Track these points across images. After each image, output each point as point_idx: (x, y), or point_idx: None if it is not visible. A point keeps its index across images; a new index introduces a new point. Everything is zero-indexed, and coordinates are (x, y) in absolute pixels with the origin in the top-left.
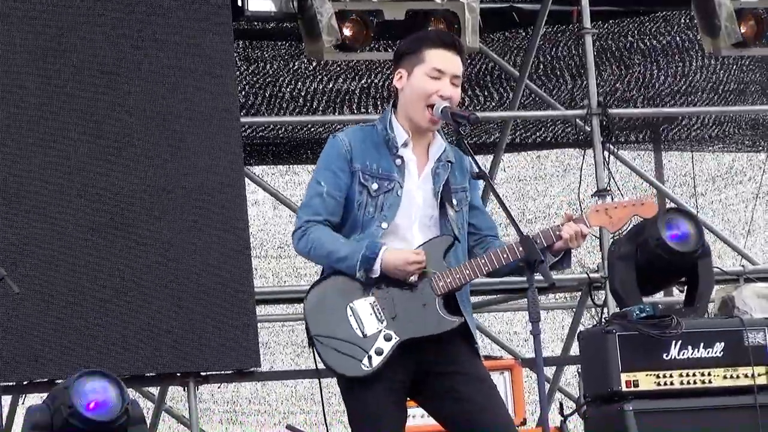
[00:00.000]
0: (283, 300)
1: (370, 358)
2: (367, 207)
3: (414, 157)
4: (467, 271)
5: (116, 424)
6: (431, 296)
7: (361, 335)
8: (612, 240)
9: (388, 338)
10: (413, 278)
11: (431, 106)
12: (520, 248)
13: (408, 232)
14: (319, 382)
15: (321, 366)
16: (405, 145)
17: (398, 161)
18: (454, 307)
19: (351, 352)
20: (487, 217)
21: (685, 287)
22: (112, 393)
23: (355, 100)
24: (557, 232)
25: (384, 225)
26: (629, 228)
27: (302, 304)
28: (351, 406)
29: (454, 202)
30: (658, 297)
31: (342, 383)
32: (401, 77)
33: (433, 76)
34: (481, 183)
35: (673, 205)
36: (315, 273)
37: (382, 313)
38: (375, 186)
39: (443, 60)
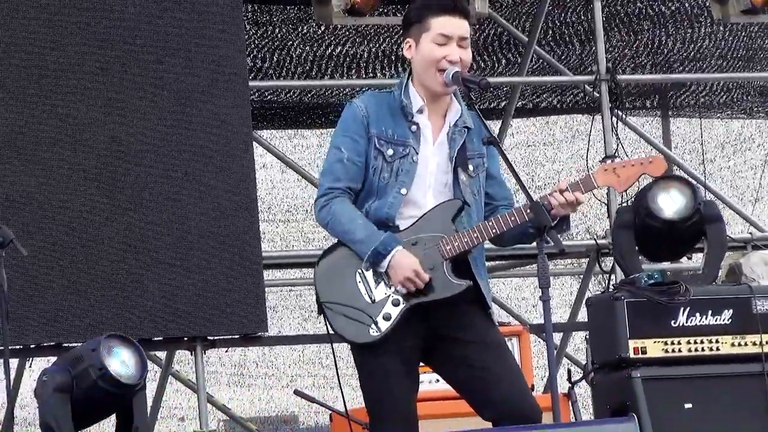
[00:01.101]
0: (290, 264)
1: (377, 323)
2: (383, 172)
3: (429, 123)
4: (475, 234)
5: (137, 388)
6: (439, 260)
7: (369, 301)
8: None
9: (395, 303)
10: (401, 289)
11: (442, 71)
12: (528, 211)
13: (421, 197)
14: (332, 348)
15: (331, 332)
16: (420, 111)
17: (413, 127)
18: (465, 271)
19: (359, 318)
20: (503, 187)
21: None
22: (137, 357)
23: (364, 65)
24: (545, 202)
25: (403, 191)
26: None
27: (310, 269)
28: (361, 372)
29: (470, 167)
30: (666, 264)
31: (353, 349)
32: (410, 46)
33: (440, 42)
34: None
35: (681, 172)
36: (323, 238)
37: (388, 278)
38: (390, 152)
39: (448, 25)
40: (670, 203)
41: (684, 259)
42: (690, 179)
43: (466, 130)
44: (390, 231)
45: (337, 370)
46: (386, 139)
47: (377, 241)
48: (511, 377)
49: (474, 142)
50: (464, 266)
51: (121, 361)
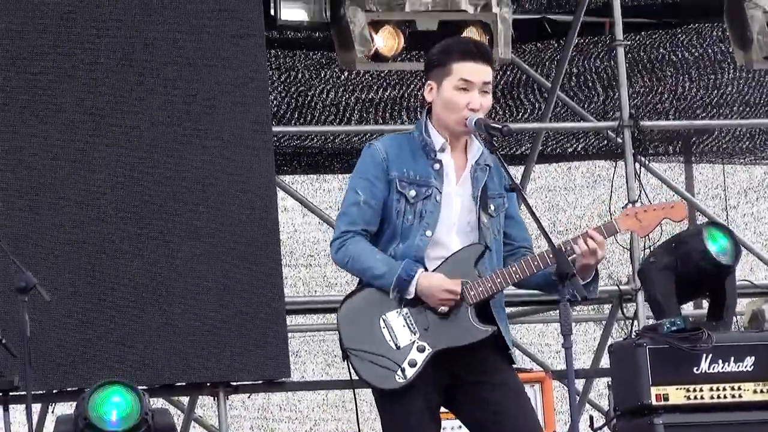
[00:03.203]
0: (313, 310)
1: (403, 370)
2: (406, 215)
3: (452, 161)
4: (498, 280)
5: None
6: (463, 306)
7: (394, 347)
8: (648, 251)
9: (421, 349)
10: (443, 309)
11: (464, 118)
12: (551, 255)
13: (446, 237)
14: (354, 393)
15: (355, 377)
16: (442, 150)
17: (436, 165)
18: (487, 315)
19: (385, 364)
20: (522, 228)
21: (710, 300)
22: (129, 402)
23: (388, 110)
24: (568, 247)
25: (428, 233)
26: (666, 239)
27: (333, 315)
28: (385, 418)
29: (492, 207)
30: (688, 310)
31: (376, 395)
32: (431, 89)
33: (462, 87)
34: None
35: (703, 218)
36: (346, 282)
37: (414, 325)
38: (413, 193)
39: (471, 72)
40: (724, 248)
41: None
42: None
43: (487, 168)
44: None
45: (357, 413)
46: (408, 181)
47: (399, 269)
48: (525, 417)
49: (495, 181)
50: (487, 310)
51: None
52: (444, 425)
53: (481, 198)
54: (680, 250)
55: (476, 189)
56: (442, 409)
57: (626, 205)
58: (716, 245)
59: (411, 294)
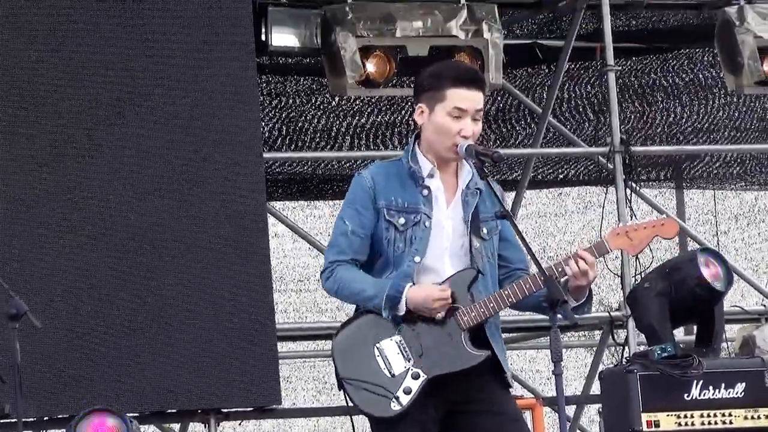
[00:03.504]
0: (304, 337)
1: (398, 397)
2: (397, 243)
3: (442, 186)
4: (491, 304)
5: None
6: (457, 331)
7: (389, 375)
8: (639, 277)
9: (415, 376)
10: (439, 315)
11: (455, 144)
12: (542, 278)
13: (438, 262)
14: (351, 420)
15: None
16: (431, 175)
17: (425, 191)
18: (482, 339)
19: (380, 392)
20: (518, 250)
21: (698, 326)
22: (116, 430)
23: (379, 136)
24: (559, 269)
25: (417, 259)
26: (658, 265)
27: (324, 341)
28: None
29: (484, 231)
30: (679, 336)
31: (372, 423)
32: (422, 112)
33: (455, 115)
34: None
35: (694, 243)
36: (336, 308)
37: (408, 352)
38: (402, 220)
39: (464, 99)
40: (717, 275)
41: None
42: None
43: (478, 191)
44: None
45: None
46: (396, 209)
47: (387, 287)
48: None
49: (486, 204)
50: (480, 334)
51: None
52: None
53: (472, 222)
54: (675, 276)
55: (467, 213)
56: None
57: None
58: (713, 270)
59: (403, 310)
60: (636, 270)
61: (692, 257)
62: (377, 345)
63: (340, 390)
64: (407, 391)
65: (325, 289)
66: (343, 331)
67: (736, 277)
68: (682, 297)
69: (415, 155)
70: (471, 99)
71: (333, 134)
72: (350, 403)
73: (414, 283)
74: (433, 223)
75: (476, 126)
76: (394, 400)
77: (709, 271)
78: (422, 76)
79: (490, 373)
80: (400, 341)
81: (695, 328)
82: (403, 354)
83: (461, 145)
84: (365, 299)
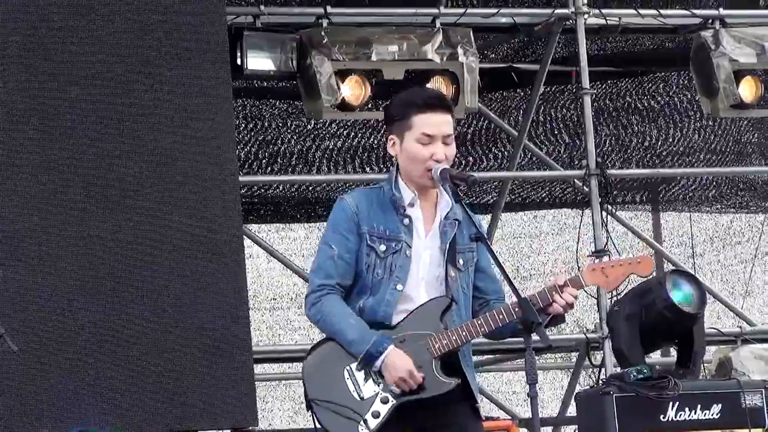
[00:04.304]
0: (280, 359)
1: (366, 421)
2: (376, 269)
3: (421, 215)
4: (464, 333)
5: None
6: (428, 358)
7: (358, 398)
8: (613, 300)
9: (384, 401)
10: (394, 389)
11: (429, 170)
12: (517, 309)
13: (415, 291)
14: None
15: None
16: (412, 204)
17: (406, 221)
18: (455, 366)
19: (348, 415)
20: (494, 281)
21: (678, 347)
22: None
23: (357, 159)
24: (552, 294)
25: (399, 287)
26: (631, 288)
27: (300, 365)
28: None
29: (461, 261)
30: (655, 358)
31: None
32: (394, 144)
33: (424, 142)
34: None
35: (670, 266)
36: (309, 327)
37: (378, 376)
38: (383, 247)
39: (431, 124)
40: (688, 297)
41: (673, 352)
42: (694, 275)
43: (456, 222)
44: (382, 328)
45: None
46: (378, 235)
47: (369, 342)
48: None
49: (464, 235)
50: (452, 360)
51: None
52: None
53: (449, 252)
54: (644, 300)
55: (444, 243)
56: None
57: (592, 253)
58: (680, 294)
59: (377, 368)
60: (613, 292)
61: (661, 280)
62: (348, 368)
63: (308, 411)
64: (375, 415)
65: (308, 315)
66: (314, 352)
67: (712, 299)
68: (651, 320)
69: (397, 184)
70: (438, 123)
71: (309, 158)
72: (318, 425)
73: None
74: (413, 252)
75: (448, 149)
76: (362, 423)
77: (678, 294)
78: (390, 106)
79: (460, 400)
80: None
81: (672, 350)
82: (373, 378)
83: (435, 169)
84: (344, 341)
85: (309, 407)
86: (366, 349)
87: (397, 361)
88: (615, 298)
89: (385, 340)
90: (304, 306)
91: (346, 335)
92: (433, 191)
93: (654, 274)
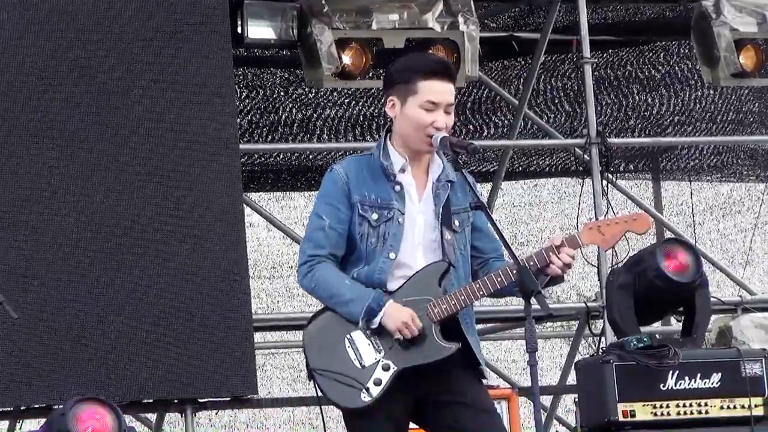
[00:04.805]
0: (280, 327)
1: (368, 389)
2: (369, 238)
3: (413, 180)
4: (462, 297)
5: None
6: (428, 323)
7: (359, 366)
8: (610, 269)
9: (386, 368)
10: (398, 336)
11: (429, 136)
12: (514, 271)
13: (411, 257)
14: (321, 412)
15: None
16: (402, 170)
17: (397, 187)
18: (456, 331)
19: (350, 383)
20: (492, 240)
21: (683, 317)
22: (109, 419)
23: (358, 128)
24: (549, 254)
25: (392, 256)
26: (628, 258)
27: (300, 333)
28: None
29: (456, 223)
30: (656, 327)
31: (344, 414)
32: (394, 105)
33: (428, 108)
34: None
35: (671, 234)
36: (308, 295)
37: (379, 344)
38: (375, 216)
39: (436, 92)
40: (679, 266)
41: (673, 322)
42: (692, 244)
43: (449, 184)
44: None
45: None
46: (369, 204)
47: (369, 298)
48: None
49: (458, 195)
50: (453, 326)
51: (90, 425)
52: None
53: (444, 214)
54: (637, 268)
55: (438, 206)
56: (413, 425)
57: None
58: (674, 262)
59: (376, 324)
60: (613, 261)
61: (653, 249)
62: (348, 336)
63: (310, 381)
64: (377, 383)
65: (302, 285)
66: (315, 321)
67: (712, 268)
68: (644, 288)
69: (386, 150)
70: (443, 91)
71: (310, 126)
72: (320, 394)
73: (391, 292)
74: (406, 218)
75: (449, 118)
76: (364, 391)
77: (671, 263)
78: (392, 68)
79: (462, 365)
80: (371, 332)
81: (672, 319)
82: (374, 346)
83: (435, 137)
84: (341, 303)
85: (311, 377)
86: (367, 304)
87: (398, 309)
88: (616, 266)
89: (382, 296)
90: (298, 276)
91: (344, 295)
92: (426, 156)
93: (652, 232)
